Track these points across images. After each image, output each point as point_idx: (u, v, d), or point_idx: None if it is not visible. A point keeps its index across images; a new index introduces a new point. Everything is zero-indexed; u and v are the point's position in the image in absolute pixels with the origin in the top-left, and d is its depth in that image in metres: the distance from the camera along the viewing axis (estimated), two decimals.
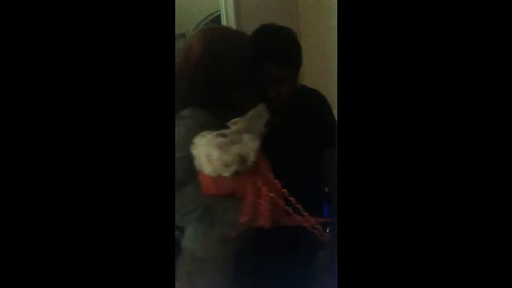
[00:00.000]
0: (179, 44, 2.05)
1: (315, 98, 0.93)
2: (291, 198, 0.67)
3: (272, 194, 0.66)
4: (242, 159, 0.64)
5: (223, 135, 0.66)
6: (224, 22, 1.66)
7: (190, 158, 0.69)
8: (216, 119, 0.72)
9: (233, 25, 1.65)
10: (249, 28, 1.68)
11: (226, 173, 0.64)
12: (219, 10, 1.69)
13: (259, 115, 0.69)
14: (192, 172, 0.70)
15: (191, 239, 0.83)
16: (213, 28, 0.84)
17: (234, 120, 0.67)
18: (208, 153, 0.64)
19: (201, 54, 0.74)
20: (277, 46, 0.81)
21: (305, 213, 0.67)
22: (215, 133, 0.66)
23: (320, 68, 1.52)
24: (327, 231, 0.87)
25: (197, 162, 0.68)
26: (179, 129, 0.71)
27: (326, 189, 0.98)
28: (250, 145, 0.65)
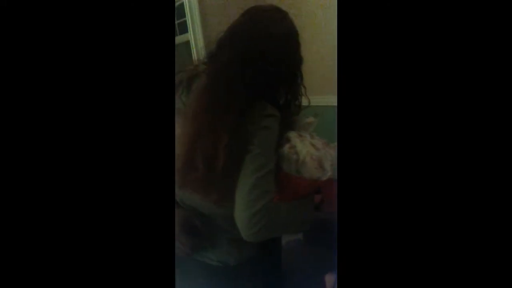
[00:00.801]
0: None
1: None
2: None
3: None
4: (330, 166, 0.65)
5: (314, 141, 0.66)
6: (187, 11, 1.67)
7: (273, 169, 0.63)
8: (280, 114, 0.65)
9: (196, 14, 1.67)
10: (211, 19, 1.69)
11: (324, 178, 0.64)
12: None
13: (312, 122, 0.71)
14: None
15: (224, 251, 0.73)
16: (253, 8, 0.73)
17: (306, 120, 0.67)
18: (319, 157, 0.63)
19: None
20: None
21: None
22: (305, 135, 0.66)
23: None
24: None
25: (293, 166, 0.64)
26: (260, 133, 0.61)
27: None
28: (330, 153, 0.65)
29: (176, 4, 1.84)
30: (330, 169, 0.64)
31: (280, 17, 0.69)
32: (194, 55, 1.72)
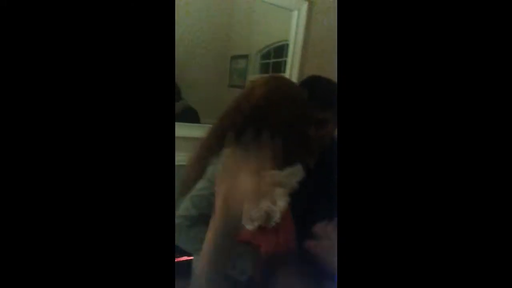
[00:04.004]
0: (241, 64, 2.10)
1: None
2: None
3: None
4: (269, 216, 0.65)
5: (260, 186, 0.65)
6: (290, 53, 1.70)
7: (210, 195, 0.74)
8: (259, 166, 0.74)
9: (298, 56, 1.69)
10: (312, 61, 1.72)
11: (250, 227, 0.64)
12: (287, 40, 1.73)
13: (294, 173, 0.70)
14: (210, 209, 0.72)
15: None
16: (278, 78, 0.88)
17: (272, 172, 0.68)
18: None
19: (260, 98, 0.80)
20: (321, 91, 0.91)
21: None
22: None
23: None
24: None
25: None
26: (217, 166, 0.77)
27: None
28: (279, 204, 0.65)
29: (279, 44, 1.90)
30: None
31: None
32: None
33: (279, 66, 1.89)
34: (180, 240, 0.77)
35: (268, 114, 0.79)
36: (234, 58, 2.22)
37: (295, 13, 1.63)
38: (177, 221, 0.77)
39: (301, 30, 1.64)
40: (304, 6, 1.61)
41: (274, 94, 0.80)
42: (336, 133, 0.97)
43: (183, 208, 0.79)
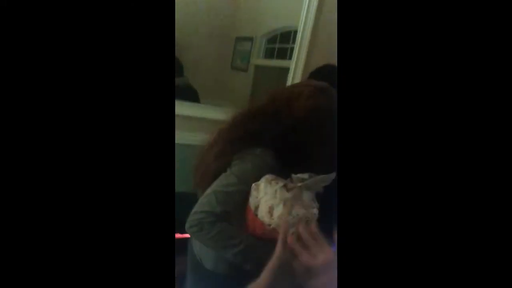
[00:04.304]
0: (245, 46, 2.05)
1: None
2: None
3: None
4: (306, 222, 0.65)
5: (287, 188, 0.67)
6: (298, 40, 1.65)
7: (245, 194, 0.72)
8: (283, 166, 0.75)
9: (305, 44, 1.65)
10: (319, 49, 1.68)
11: (276, 226, 0.65)
12: (295, 26, 1.68)
13: (325, 180, 0.70)
14: (242, 207, 0.73)
15: (206, 254, 0.86)
16: (326, 91, 0.83)
17: (301, 175, 0.68)
18: (272, 205, 0.66)
19: (308, 112, 0.77)
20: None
21: None
22: (281, 183, 0.68)
23: None
24: None
25: (253, 203, 0.70)
26: (246, 164, 0.75)
27: None
28: (312, 211, 0.66)
29: (286, 29, 1.85)
30: (277, 219, 0.67)
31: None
32: (289, 84, 1.69)
33: (285, 52, 1.84)
34: (200, 235, 0.73)
35: (313, 128, 0.76)
36: (239, 39, 2.15)
37: None
38: (198, 216, 0.72)
39: (311, 16, 1.59)
40: None
41: (322, 110, 0.77)
42: None
43: (206, 202, 0.73)
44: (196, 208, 0.74)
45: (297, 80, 1.66)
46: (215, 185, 0.75)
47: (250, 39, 2.01)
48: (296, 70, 1.69)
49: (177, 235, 1.14)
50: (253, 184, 0.72)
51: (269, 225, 0.68)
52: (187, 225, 0.73)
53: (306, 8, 1.59)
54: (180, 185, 0.80)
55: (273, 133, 0.76)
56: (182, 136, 1.42)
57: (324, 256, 0.51)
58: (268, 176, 0.71)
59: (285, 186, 0.68)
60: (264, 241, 0.70)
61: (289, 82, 1.70)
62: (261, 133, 0.77)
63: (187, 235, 0.83)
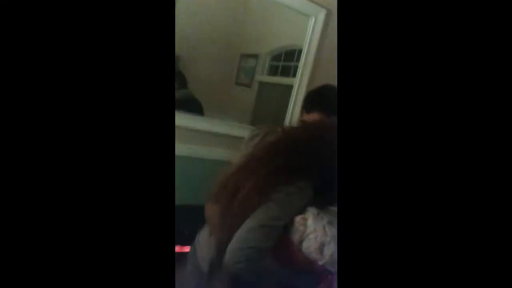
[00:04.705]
0: (250, 63, 2.08)
1: None
2: None
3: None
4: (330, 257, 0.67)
5: (332, 224, 0.68)
6: (302, 59, 1.68)
7: (281, 228, 0.72)
8: (316, 197, 0.76)
9: (310, 63, 1.67)
10: (323, 69, 1.71)
11: (320, 262, 0.67)
12: (300, 46, 1.71)
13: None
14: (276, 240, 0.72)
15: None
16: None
17: (334, 208, 0.71)
18: (324, 242, 0.67)
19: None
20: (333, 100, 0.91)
21: None
22: (326, 219, 0.69)
23: None
24: None
25: (297, 236, 0.71)
26: (291, 197, 0.74)
27: None
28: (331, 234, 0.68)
29: (290, 48, 1.88)
30: (329, 258, 0.68)
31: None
32: (292, 101, 1.71)
33: (289, 70, 1.87)
34: (247, 271, 0.70)
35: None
36: (244, 56, 2.20)
37: (312, 19, 1.61)
38: (246, 252, 0.68)
39: (316, 37, 1.62)
40: (322, 14, 1.59)
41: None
42: None
43: (252, 238, 0.69)
44: (241, 243, 0.70)
45: (300, 96, 1.68)
46: (259, 219, 0.71)
47: (255, 56, 2.04)
48: (299, 88, 1.71)
49: (177, 248, 1.13)
50: (298, 218, 0.72)
51: (315, 260, 0.69)
52: (230, 261, 0.69)
53: (311, 28, 1.63)
54: (181, 198, 0.80)
55: (311, 164, 0.77)
56: (182, 149, 1.43)
57: None
58: (313, 210, 0.72)
59: (331, 222, 0.69)
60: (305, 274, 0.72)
61: (292, 99, 1.72)
62: (302, 165, 0.78)
63: (187, 249, 0.82)
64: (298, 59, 1.74)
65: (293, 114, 1.72)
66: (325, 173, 0.76)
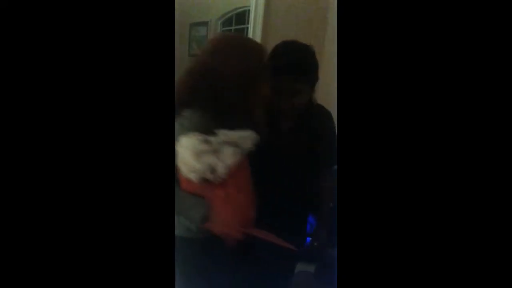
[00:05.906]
0: (201, 31, 2.01)
1: (324, 115, 0.97)
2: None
3: (243, 205, 0.71)
4: (212, 169, 0.67)
5: (208, 142, 0.68)
6: (251, 19, 1.63)
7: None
8: (216, 126, 0.73)
9: (259, 22, 1.62)
10: (274, 29, 1.67)
11: (193, 178, 0.67)
12: (247, 6, 1.65)
13: (247, 137, 0.71)
14: None
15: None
16: (231, 36, 0.87)
17: (224, 131, 0.69)
18: (184, 155, 0.68)
19: (213, 57, 0.75)
20: (296, 60, 0.87)
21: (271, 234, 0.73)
22: (201, 138, 0.68)
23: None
24: (315, 244, 1.00)
25: (178, 160, 0.71)
26: (176, 127, 0.73)
27: (331, 204, 1.02)
28: (225, 159, 0.67)
29: (240, 10, 1.82)
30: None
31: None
32: None
33: (242, 33, 1.82)
34: None
35: (223, 75, 0.74)
36: (194, 25, 2.11)
37: None
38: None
39: None
40: None
41: (228, 51, 0.75)
42: (313, 101, 0.95)
43: None
44: None
45: None
46: None
47: (205, 23, 1.96)
48: None
49: None
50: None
51: (185, 176, 0.69)
52: None
53: None
54: None
55: (206, 93, 0.74)
56: None
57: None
58: (190, 134, 0.70)
59: (206, 141, 0.68)
60: (192, 195, 0.72)
61: None
62: (193, 93, 0.75)
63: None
64: (249, 21, 1.68)
65: None
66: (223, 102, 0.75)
